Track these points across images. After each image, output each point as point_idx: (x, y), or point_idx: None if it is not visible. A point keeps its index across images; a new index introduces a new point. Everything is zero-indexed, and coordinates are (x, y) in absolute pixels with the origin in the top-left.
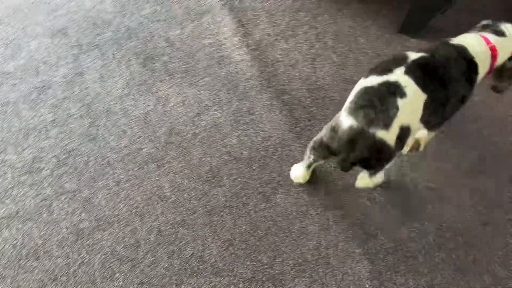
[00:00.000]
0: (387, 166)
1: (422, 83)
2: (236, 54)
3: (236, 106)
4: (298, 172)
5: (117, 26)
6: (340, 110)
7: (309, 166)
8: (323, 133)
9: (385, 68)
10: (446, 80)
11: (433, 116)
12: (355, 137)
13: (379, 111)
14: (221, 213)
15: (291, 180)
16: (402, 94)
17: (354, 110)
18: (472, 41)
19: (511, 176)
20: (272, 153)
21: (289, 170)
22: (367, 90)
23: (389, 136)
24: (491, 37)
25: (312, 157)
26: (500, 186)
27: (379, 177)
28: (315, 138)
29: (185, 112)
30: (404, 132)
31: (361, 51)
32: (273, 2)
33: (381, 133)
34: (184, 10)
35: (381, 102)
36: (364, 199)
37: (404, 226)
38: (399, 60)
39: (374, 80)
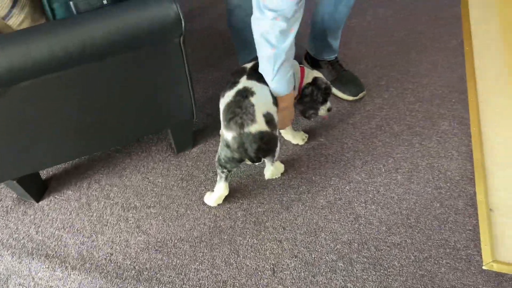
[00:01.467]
0: (278, 149)
1: (263, 80)
2: (76, 286)
3: None
4: (219, 190)
5: None
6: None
7: (226, 178)
8: (223, 153)
9: (233, 82)
10: None
11: None
12: (240, 141)
13: (243, 114)
14: None
15: None
16: (252, 93)
17: (227, 125)
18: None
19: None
20: None
21: None
22: (228, 105)
23: (259, 125)
24: (305, 67)
25: (225, 170)
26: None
27: (279, 165)
28: (217, 158)
29: None
30: (268, 116)
31: (167, 187)
32: (62, 217)
33: (253, 128)
34: None
35: (240, 107)
36: None
37: (316, 277)
38: (240, 72)
39: (229, 95)
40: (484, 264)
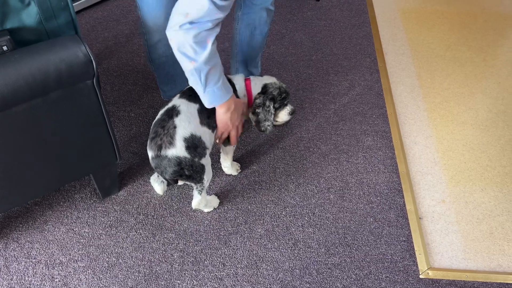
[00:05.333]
0: (206, 178)
1: (193, 98)
2: None
3: None
4: (155, 186)
5: None
6: None
7: (161, 181)
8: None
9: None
10: None
11: (210, 118)
12: (157, 162)
13: (163, 136)
14: None
15: None
16: (177, 113)
17: (149, 143)
18: (236, 76)
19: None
20: None
21: None
22: (154, 124)
23: (177, 150)
24: (252, 77)
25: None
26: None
27: (213, 199)
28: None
29: None
30: (191, 141)
31: (94, 237)
32: None
33: (170, 152)
34: None
35: (163, 128)
36: None
37: None
38: (182, 91)
39: (160, 113)
40: (420, 273)
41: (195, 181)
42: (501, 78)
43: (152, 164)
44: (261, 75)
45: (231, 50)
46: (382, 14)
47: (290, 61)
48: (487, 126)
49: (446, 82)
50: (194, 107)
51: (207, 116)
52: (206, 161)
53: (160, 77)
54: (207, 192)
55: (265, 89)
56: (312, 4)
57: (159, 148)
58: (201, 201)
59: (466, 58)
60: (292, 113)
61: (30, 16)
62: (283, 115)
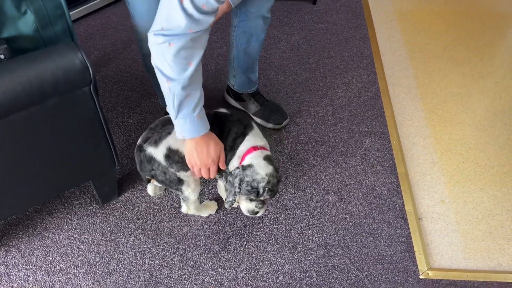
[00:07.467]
0: (185, 191)
1: None
2: None
3: None
4: (148, 187)
5: None
6: None
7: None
8: None
9: None
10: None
11: None
12: (136, 151)
13: (155, 133)
14: None
15: None
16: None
17: (145, 131)
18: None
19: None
20: None
21: None
22: (161, 119)
23: (156, 152)
24: (258, 151)
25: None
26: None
27: (211, 204)
28: None
29: None
30: (172, 153)
31: (94, 243)
32: None
33: (150, 149)
34: None
35: (162, 126)
36: None
37: None
38: None
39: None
40: (420, 273)
41: (171, 188)
42: (498, 78)
43: (135, 152)
44: (258, 82)
45: (228, 55)
46: (378, 16)
47: (287, 64)
48: (485, 125)
49: (444, 83)
50: None
51: None
52: (187, 178)
53: (156, 83)
54: (202, 199)
55: (245, 168)
56: (309, 7)
57: (145, 140)
58: (187, 210)
59: (463, 58)
60: (253, 213)
61: (26, 24)
62: (243, 206)
